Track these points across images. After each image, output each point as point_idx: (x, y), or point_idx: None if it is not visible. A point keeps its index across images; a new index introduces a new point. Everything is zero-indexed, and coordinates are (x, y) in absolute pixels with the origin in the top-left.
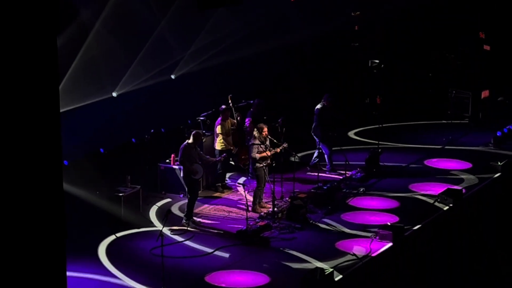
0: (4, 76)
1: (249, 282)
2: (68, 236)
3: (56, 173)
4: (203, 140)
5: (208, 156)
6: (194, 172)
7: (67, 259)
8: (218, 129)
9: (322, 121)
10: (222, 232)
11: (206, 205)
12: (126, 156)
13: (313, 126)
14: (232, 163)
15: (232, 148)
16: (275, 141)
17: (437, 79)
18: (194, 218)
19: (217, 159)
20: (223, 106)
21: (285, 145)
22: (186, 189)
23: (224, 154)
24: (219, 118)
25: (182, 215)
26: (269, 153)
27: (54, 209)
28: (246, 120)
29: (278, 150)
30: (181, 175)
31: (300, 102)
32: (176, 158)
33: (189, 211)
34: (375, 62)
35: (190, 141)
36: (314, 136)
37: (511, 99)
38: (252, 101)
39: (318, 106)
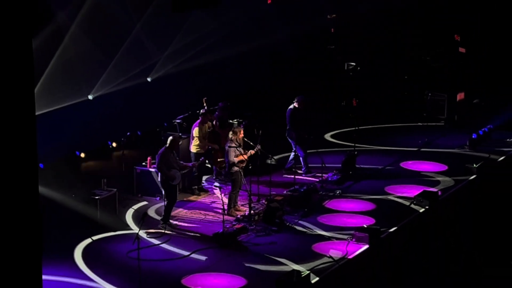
0: None
1: (226, 284)
2: (44, 239)
3: (31, 176)
4: (180, 143)
5: (181, 162)
6: (172, 178)
7: (43, 262)
8: (195, 132)
9: (295, 123)
10: (198, 235)
11: (182, 208)
12: (102, 158)
13: (287, 129)
14: (208, 165)
15: (211, 147)
16: (251, 143)
17: (413, 81)
18: (171, 221)
19: (190, 164)
20: (203, 110)
21: (258, 147)
22: (164, 193)
23: (202, 158)
24: (197, 121)
25: (158, 218)
26: (245, 157)
27: (30, 212)
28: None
29: (253, 152)
30: (159, 179)
31: (275, 104)
32: (152, 161)
33: (166, 215)
34: (351, 65)
35: (168, 146)
36: (289, 139)
37: (486, 101)
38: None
39: (290, 107)
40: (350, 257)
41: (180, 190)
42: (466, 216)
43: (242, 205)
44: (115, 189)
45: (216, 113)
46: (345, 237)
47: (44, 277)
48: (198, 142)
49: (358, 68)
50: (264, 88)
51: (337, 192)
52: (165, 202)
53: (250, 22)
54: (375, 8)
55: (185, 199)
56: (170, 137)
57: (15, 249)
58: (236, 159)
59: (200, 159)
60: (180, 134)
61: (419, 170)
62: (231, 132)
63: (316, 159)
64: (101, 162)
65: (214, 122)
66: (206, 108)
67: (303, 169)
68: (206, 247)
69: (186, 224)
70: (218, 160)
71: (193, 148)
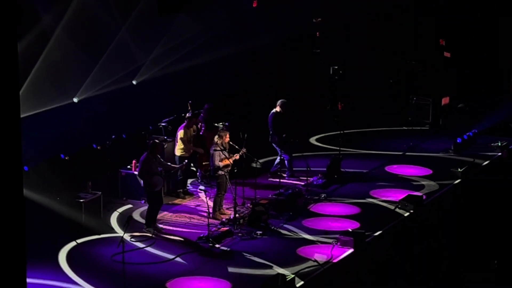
0: None
1: None
2: (29, 242)
3: (16, 179)
4: (165, 146)
5: (169, 163)
6: (153, 185)
7: (27, 265)
8: (180, 134)
9: (278, 127)
10: (183, 238)
11: (167, 211)
12: (87, 162)
13: (270, 134)
14: (193, 168)
15: (197, 150)
16: (236, 147)
17: (398, 86)
18: (157, 224)
19: (178, 166)
20: (189, 114)
21: (244, 150)
22: (146, 198)
23: (186, 161)
24: (183, 124)
25: (143, 221)
26: (231, 161)
27: (14, 215)
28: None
29: (237, 156)
30: (142, 185)
31: (261, 107)
32: (137, 165)
33: (148, 219)
34: (337, 68)
35: (149, 152)
36: (273, 144)
37: (471, 105)
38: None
39: (272, 111)
40: (335, 261)
41: (165, 193)
42: (450, 220)
43: (227, 208)
44: (100, 192)
45: (202, 115)
46: (330, 241)
47: (28, 280)
48: (182, 145)
49: (340, 71)
50: (250, 91)
51: (322, 196)
52: (147, 207)
53: (236, 25)
54: (361, 12)
55: (170, 202)
56: (150, 142)
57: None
58: (221, 163)
59: (184, 162)
60: (165, 137)
61: (404, 174)
62: (217, 136)
63: (301, 163)
64: (86, 165)
65: (199, 125)
66: (191, 111)
67: (286, 173)
68: (191, 251)
69: (171, 228)
70: (203, 163)
71: (178, 152)
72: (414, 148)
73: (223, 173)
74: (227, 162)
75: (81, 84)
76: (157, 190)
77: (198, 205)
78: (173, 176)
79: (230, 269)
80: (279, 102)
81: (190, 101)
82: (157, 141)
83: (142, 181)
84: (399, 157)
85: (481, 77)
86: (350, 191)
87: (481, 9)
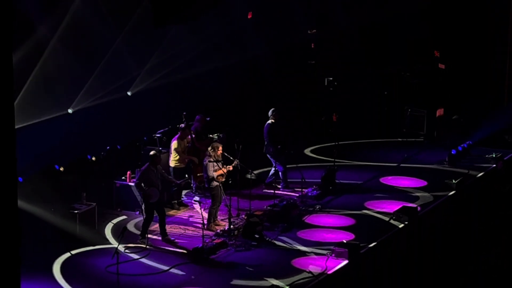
0: None
1: None
2: (23, 253)
3: (10, 190)
4: None
5: (170, 177)
6: (148, 196)
7: (21, 276)
8: (174, 145)
9: (273, 138)
10: (177, 249)
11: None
12: (81, 172)
13: (265, 145)
14: (188, 180)
15: (192, 160)
16: (231, 158)
17: (393, 97)
18: (168, 235)
19: (179, 182)
20: (183, 125)
21: (236, 162)
22: (143, 208)
23: (186, 176)
24: (176, 135)
25: (138, 232)
26: (224, 170)
27: (9, 226)
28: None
29: (231, 167)
30: (139, 195)
31: (255, 119)
32: (132, 175)
33: (144, 230)
34: (331, 80)
35: (150, 162)
36: (268, 155)
37: (465, 117)
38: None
39: (268, 122)
40: (330, 272)
41: None
42: (445, 232)
43: (222, 219)
44: (94, 203)
45: (193, 125)
46: (325, 252)
47: None
48: (178, 157)
49: (335, 83)
50: (244, 102)
51: (317, 207)
52: (143, 217)
53: (230, 37)
54: (355, 24)
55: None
56: (151, 153)
57: None
58: (215, 174)
59: (185, 177)
60: (160, 148)
61: (398, 185)
62: (210, 148)
63: (295, 174)
64: (81, 176)
65: (193, 136)
66: (185, 122)
67: (281, 184)
68: (186, 262)
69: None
70: (198, 175)
71: (172, 163)
72: (409, 159)
73: (217, 184)
74: (221, 172)
75: (76, 95)
76: (152, 201)
77: (193, 216)
78: (167, 187)
79: (225, 281)
80: (270, 112)
81: (184, 112)
82: (157, 152)
83: (140, 193)
84: (394, 169)
85: (475, 89)
86: (345, 202)
87: (475, 20)
